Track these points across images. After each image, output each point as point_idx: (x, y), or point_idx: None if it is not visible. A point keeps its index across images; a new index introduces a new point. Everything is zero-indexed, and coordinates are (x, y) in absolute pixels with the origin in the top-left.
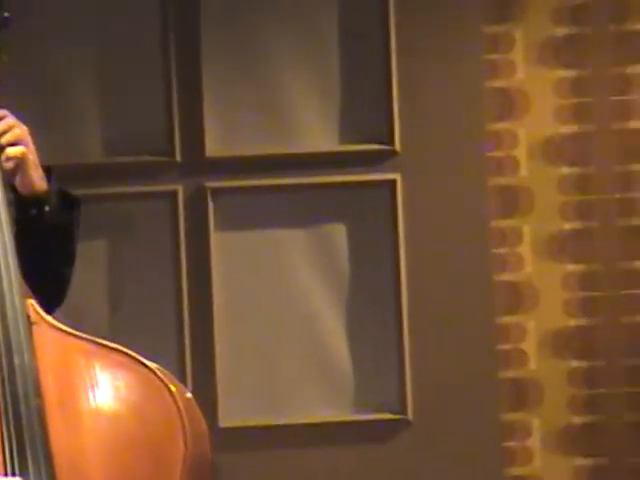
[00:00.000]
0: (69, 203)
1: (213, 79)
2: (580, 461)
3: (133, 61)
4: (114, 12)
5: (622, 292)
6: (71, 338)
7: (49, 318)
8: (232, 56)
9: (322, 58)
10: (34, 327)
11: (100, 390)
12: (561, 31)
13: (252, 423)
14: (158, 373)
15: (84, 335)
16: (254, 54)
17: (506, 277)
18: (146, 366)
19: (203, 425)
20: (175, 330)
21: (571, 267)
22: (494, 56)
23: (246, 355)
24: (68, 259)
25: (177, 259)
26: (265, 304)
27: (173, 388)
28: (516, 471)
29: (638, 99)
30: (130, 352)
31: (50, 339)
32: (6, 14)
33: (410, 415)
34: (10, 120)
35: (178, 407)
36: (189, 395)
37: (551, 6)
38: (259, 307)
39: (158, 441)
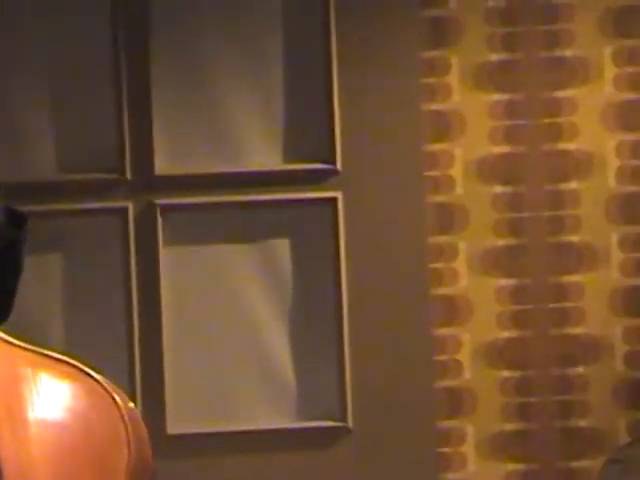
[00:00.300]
0: (16, 220)
1: (162, 101)
2: (512, 466)
3: (85, 82)
4: (67, 32)
5: (551, 305)
6: (17, 349)
7: None
8: (180, 78)
9: (266, 81)
10: None
11: (46, 400)
12: (495, 57)
13: (198, 430)
14: (103, 383)
15: (30, 346)
16: (201, 77)
17: (442, 291)
18: (91, 377)
19: (145, 433)
20: (125, 342)
21: (504, 281)
22: (431, 80)
23: (193, 365)
24: (15, 274)
25: (127, 273)
26: (212, 317)
27: (117, 398)
28: (451, 476)
29: (567, 122)
30: (76, 363)
31: None
32: None
33: (350, 422)
34: None
35: (122, 416)
36: (132, 405)
37: (485, 33)
38: (206, 319)
39: (103, 448)
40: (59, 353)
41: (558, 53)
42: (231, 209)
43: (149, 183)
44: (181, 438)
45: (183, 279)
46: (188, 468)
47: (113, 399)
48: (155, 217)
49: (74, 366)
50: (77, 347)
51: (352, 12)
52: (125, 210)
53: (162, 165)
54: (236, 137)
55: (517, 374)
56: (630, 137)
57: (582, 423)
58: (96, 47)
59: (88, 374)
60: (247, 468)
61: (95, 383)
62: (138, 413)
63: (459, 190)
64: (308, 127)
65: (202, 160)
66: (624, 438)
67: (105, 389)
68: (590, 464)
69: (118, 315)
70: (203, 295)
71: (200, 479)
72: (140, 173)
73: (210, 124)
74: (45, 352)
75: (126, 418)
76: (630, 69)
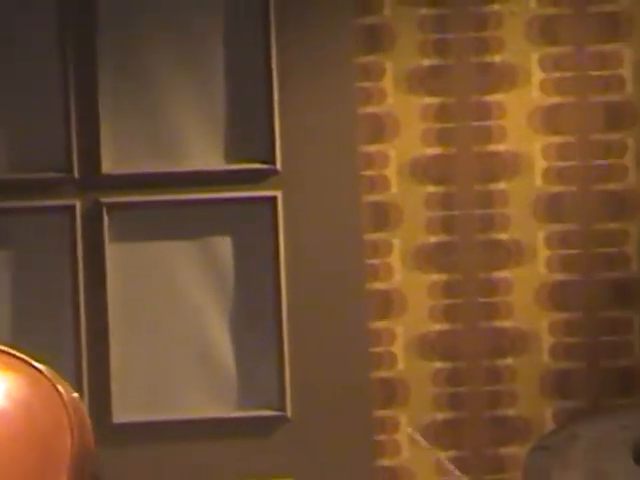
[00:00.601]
0: None
1: (109, 103)
2: (444, 453)
3: (33, 83)
4: (15, 34)
5: (481, 299)
6: None
7: None
8: (126, 81)
9: (209, 84)
10: None
11: None
12: (427, 62)
13: (143, 419)
14: (46, 374)
15: None
16: (146, 80)
17: (377, 286)
18: (35, 367)
19: (88, 421)
20: (73, 334)
21: (436, 277)
22: (366, 84)
23: (138, 358)
24: None
25: (75, 268)
26: (156, 310)
27: (60, 387)
28: (385, 462)
29: (496, 125)
30: (20, 355)
31: None
32: None
33: (289, 412)
34: None
35: (65, 404)
36: (75, 394)
37: (418, 39)
38: (151, 313)
39: (46, 434)
40: (4, 345)
41: (487, 59)
42: (174, 207)
43: (96, 182)
44: (126, 427)
45: (128, 274)
46: (133, 456)
47: (55, 388)
48: (101, 215)
49: (17, 357)
50: (26, 340)
51: (291, 19)
52: (73, 208)
53: (108, 165)
54: (179, 138)
55: (448, 365)
56: (556, 139)
57: (510, 412)
58: (44, 49)
59: (31, 365)
60: (190, 456)
61: (38, 373)
62: (81, 402)
63: (393, 189)
64: (249, 129)
65: (147, 160)
66: (549, 426)
67: (48, 379)
68: (517, 450)
69: (66, 309)
70: (148, 290)
71: (145, 466)
72: (87, 172)
73: (154, 125)
74: None
75: (69, 406)
76: (556, 74)
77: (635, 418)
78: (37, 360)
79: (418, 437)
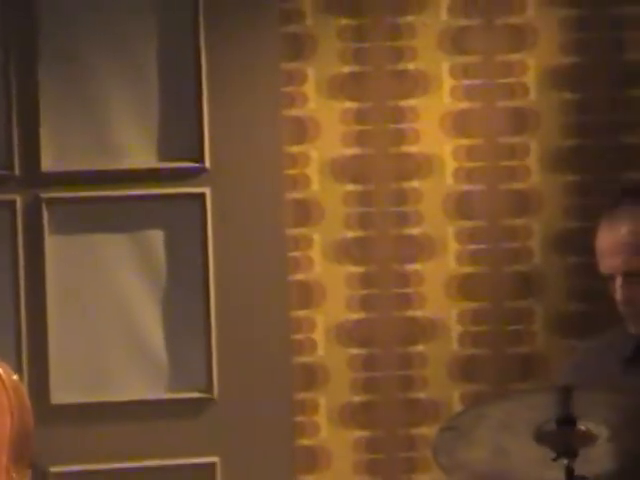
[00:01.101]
0: None
1: (49, 102)
2: (359, 433)
3: None
4: None
5: (395, 290)
6: None
7: None
8: (65, 83)
9: (144, 88)
10: None
11: None
12: (346, 69)
13: (79, 401)
14: None
15: None
16: (84, 81)
17: (299, 277)
18: None
19: (28, 402)
20: (13, 321)
21: (353, 269)
22: (290, 89)
23: (76, 343)
24: None
25: (15, 261)
26: (93, 299)
27: (1, 370)
28: (305, 442)
29: (409, 128)
30: None
31: None
32: None
33: (215, 394)
34: None
35: (5, 387)
36: (15, 377)
37: (338, 47)
38: (88, 302)
39: None
40: None
41: (402, 67)
42: (110, 203)
43: (36, 178)
44: (63, 408)
45: (66, 266)
46: (70, 435)
47: None
48: (41, 210)
49: None
50: None
51: (219, 26)
52: (13, 203)
53: (48, 162)
54: (115, 137)
55: (364, 352)
56: (465, 142)
57: (421, 395)
58: None
59: None
60: (123, 436)
61: None
62: (22, 384)
63: (314, 187)
64: (180, 129)
65: (84, 158)
66: (457, 408)
67: None
68: (428, 431)
69: (6, 299)
70: (84, 280)
71: (81, 446)
72: (27, 169)
73: (92, 125)
74: None
75: (9, 389)
76: (465, 82)
77: (536, 400)
78: None
79: None
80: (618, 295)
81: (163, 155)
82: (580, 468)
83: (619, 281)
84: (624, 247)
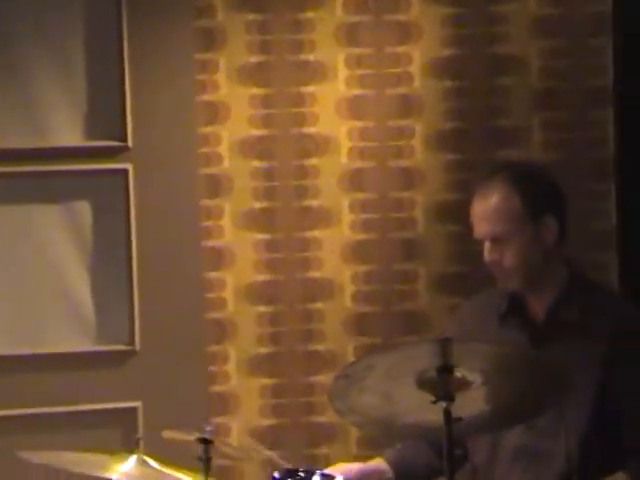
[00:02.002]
0: None
1: None
2: (265, 381)
3: None
4: None
5: (297, 255)
6: None
7: None
8: None
9: (71, 73)
10: None
11: None
12: (253, 59)
13: (12, 353)
14: None
15: None
16: (13, 63)
17: (211, 243)
18: None
19: None
20: None
21: (260, 236)
22: (203, 76)
23: (10, 301)
24: None
25: None
26: (26, 263)
27: None
28: (217, 389)
29: (309, 111)
30: None
31: None
32: None
33: (137, 346)
34: None
35: None
36: None
37: (246, 40)
38: (21, 265)
39: None
40: None
41: (302, 57)
42: (42, 177)
43: None
44: (1, 359)
45: (1, 234)
46: (6, 383)
47: None
48: None
49: None
50: None
51: (141, 19)
52: None
53: None
54: (45, 118)
55: (269, 309)
56: (358, 124)
57: (319, 347)
58: None
59: None
60: (54, 384)
61: None
62: None
63: (225, 164)
64: (105, 112)
65: (17, 136)
66: (351, 358)
67: None
68: (325, 379)
69: None
70: (19, 247)
71: (16, 392)
72: None
73: (23, 107)
74: None
75: None
76: (358, 71)
77: (418, 351)
78: None
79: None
80: (486, 257)
81: (90, 134)
82: (457, 410)
83: (487, 245)
84: (492, 215)
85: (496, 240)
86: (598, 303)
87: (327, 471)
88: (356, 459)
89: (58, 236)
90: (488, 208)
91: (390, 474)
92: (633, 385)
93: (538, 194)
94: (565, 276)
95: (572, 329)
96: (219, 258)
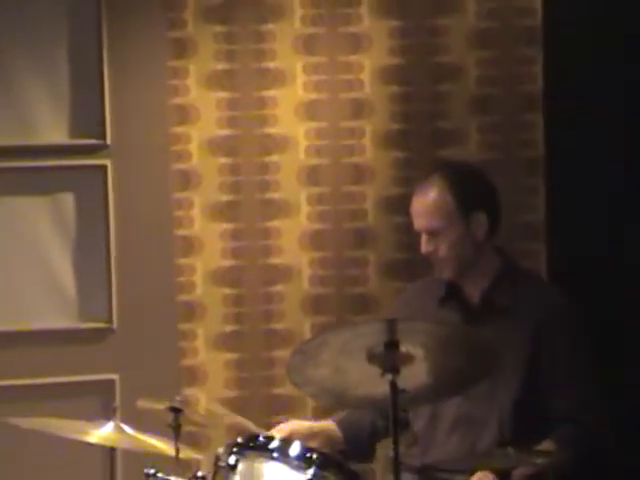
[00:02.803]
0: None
1: None
2: (230, 356)
3: None
4: None
5: (260, 242)
6: None
7: None
8: None
9: (56, 76)
10: None
11: None
12: (220, 66)
13: (8, 329)
14: None
15: None
16: (1, 68)
17: (182, 232)
18: None
19: None
20: None
21: (226, 225)
22: (175, 81)
23: (1, 282)
24: None
25: None
26: (14, 249)
27: None
28: (187, 363)
29: (270, 113)
30: None
31: None
32: None
33: (115, 324)
34: None
35: None
36: None
37: (214, 49)
38: (10, 251)
39: None
40: None
41: (264, 65)
42: (29, 172)
43: None
44: None
45: None
46: None
47: None
48: None
49: None
50: None
51: (119, 29)
52: None
53: None
54: (31, 118)
55: (235, 291)
56: (314, 125)
57: (279, 326)
58: None
59: None
60: (38, 358)
61: None
62: None
63: (195, 161)
64: (86, 112)
65: (5, 135)
66: (307, 335)
67: None
68: (284, 354)
69: None
70: (7, 235)
71: (3, 369)
72: None
73: (11, 107)
74: None
75: None
76: (314, 77)
77: (368, 329)
78: None
79: (215, 406)
80: (422, 248)
81: (72, 133)
82: (401, 383)
83: (424, 237)
84: (427, 211)
85: (431, 233)
86: (527, 289)
87: (280, 427)
88: None
89: (44, 225)
90: (424, 204)
91: (338, 433)
92: (557, 361)
93: (470, 193)
94: (497, 265)
95: (504, 312)
96: (189, 245)
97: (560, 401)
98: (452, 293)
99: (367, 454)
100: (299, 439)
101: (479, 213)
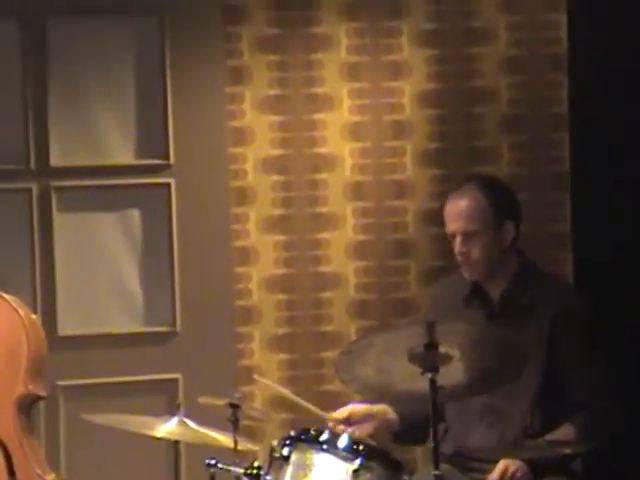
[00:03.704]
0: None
1: (57, 112)
2: (284, 356)
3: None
4: None
5: (310, 253)
6: None
7: None
8: (67, 101)
9: (124, 102)
10: None
11: None
12: (272, 92)
13: (79, 333)
14: (10, 302)
15: None
16: (78, 97)
17: (239, 243)
18: (3, 298)
19: (42, 335)
20: (30, 278)
21: (278, 237)
22: (232, 106)
23: (77, 291)
24: None
25: (31, 234)
26: (90, 260)
27: (20, 311)
28: (244, 363)
29: (319, 135)
30: None
31: None
32: None
33: (178, 328)
34: None
35: (24, 324)
36: (33, 316)
37: (267, 76)
38: (85, 262)
39: (10, 344)
40: None
41: (313, 90)
42: (101, 190)
43: (47, 171)
44: (68, 338)
45: (70, 236)
46: (71, 359)
47: (17, 312)
48: (50, 196)
49: None
50: None
51: (181, 59)
52: (30, 191)
53: (58, 158)
54: (102, 141)
55: (287, 297)
56: (359, 145)
57: (328, 328)
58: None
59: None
60: (109, 359)
61: (5, 302)
62: (37, 322)
63: (250, 178)
64: (152, 135)
65: (80, 156)
66: (353, 337)
67: (12, 306)
68: (332, 355)
69: (24, 262)
70: (83, 247)
71: (78, 366)
72: (41, 163)
73: (84, 132)
74: None
75: (27, 325)
76: (359, 102)
77: (409, 332)
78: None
79: (265, 380)
80: (456, 249)
81: (139, 154)
82: (440, 380)
83: (458, 239)
84: (465, 213)
85: (466, 235)
86: (544, 287)
87: (340, 410)
88: None
89: (114, 238)
90: (462, 208)
91: (394, 415)
92: (573, 351)
93: (503, 202)
94: (516, 266)
95: (523, 311)
96: (245, 255)
97: (577, 388)
98: (475, 292)
99: (420, 436)
100: (357, 420)
101: (509, 221)
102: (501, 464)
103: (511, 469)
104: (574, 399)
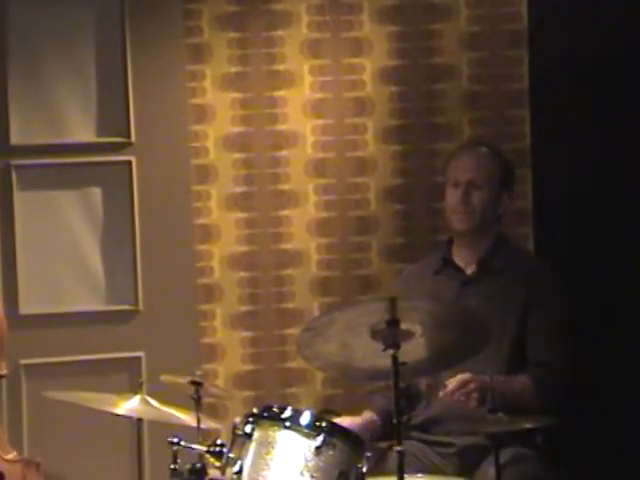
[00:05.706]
0: None
1: (15, 93)
2: (245, 334)
3: None
4: None
5: (271, 230)
6: None
7: None
8: (27, 78)
9: (85, 80)
10: None
11: None
12: (233, 69)
13: (40, 312)
14: None
15: None
16: (38, 74)
17: (201, 221)
18: None
19: (1, 314)
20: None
21: (240, 214)
22: (193, 84)
23: (37, 269)
24: None
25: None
26: (50, 237)
27: None
28: (206, 340)
29: (280, 112)
30: None
31: None
32: None
33: (141, 306)
34: None
35: None
36: None
37: (227, 53)
38: (46, 240)
39: None
40: None
41: (274, 67)
42: (61, 168)
43: (8, 150)
44: (29, 316)
45: (31, 214)
46: (33, 337)
47: None
48: (10, 174)
49: None
50: None
51: (141, 37)
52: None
53: (18, 136)
54: (63, 119)
55: (249, 274)
56: (320, 122)
57: (290, 305)
58: None
59: None
60: (71, 337)
61: None
62: None
63: (211, 156)
64: (113, 112)
65: (41, 134)
66: (315, 314)
67: None
68: (295, 331)
69: None
70: (44, 225)
71: (41, 345)
72: (2, 141)
73: (45, 110)
74: None
75: None
76: (320, 78)
77: (371, 308)
78: None
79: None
80: (457, 198)
81: (100, 132)
82: (402, 356)
83: (462, 188)
84: (479, 163)
85: (473, 185)
86: (518, 257)
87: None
88: (321, 397)
89: (75, 216)
90: (477, 159)
91: (378, 423)
92: (539, 318)
93: (508, 172)
94: (495, 239)
95: (497, 276)
96: (207, 233)
97: (541, 349)
98: (445, 265)
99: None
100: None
101: (506, 194)
102: (459, 376)
103: (464, 379)
104: (536, 359)
